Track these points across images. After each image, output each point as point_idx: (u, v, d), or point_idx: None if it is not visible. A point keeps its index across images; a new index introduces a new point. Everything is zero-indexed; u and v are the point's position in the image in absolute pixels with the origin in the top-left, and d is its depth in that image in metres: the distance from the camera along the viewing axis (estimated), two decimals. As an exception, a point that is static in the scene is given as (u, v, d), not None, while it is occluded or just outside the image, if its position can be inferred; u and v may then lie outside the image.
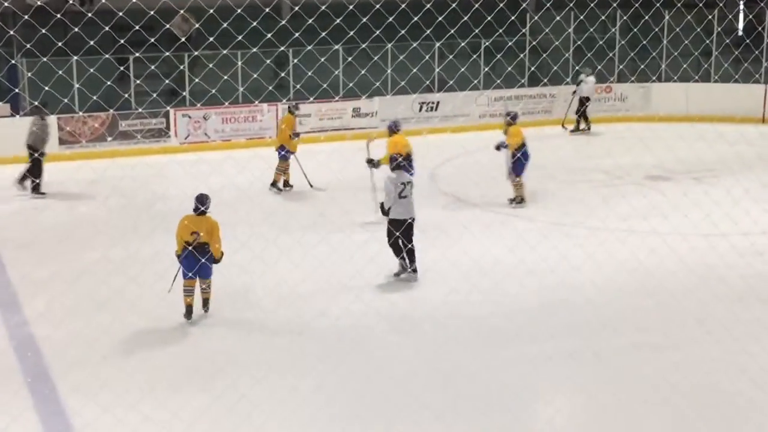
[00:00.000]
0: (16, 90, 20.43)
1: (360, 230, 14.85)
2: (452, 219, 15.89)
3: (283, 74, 19.08)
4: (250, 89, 20.92)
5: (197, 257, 11.20)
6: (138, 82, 20.74)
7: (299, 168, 17.92)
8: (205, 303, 11.75)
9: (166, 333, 11.18)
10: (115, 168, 17.94)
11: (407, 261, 13.03)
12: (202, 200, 11.52)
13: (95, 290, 12.33)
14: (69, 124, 21.31)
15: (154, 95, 21.83)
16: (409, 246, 12.92)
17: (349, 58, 22.46)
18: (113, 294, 11.86)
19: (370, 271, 12.57)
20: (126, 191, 17.51)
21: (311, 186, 17.92)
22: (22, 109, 21.43)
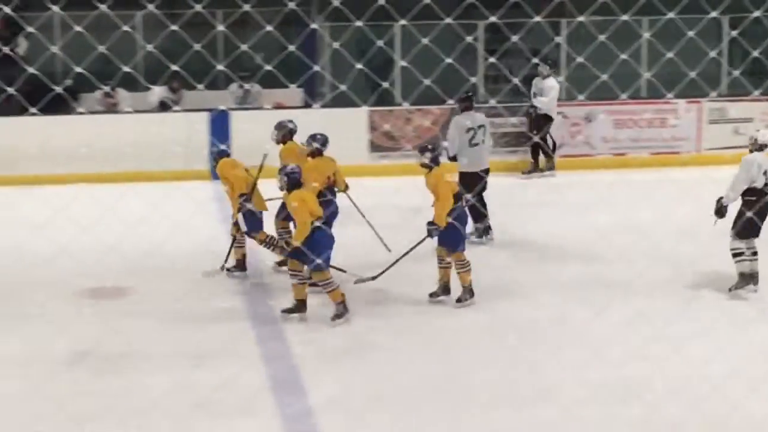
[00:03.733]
0: (315, 68, 20.89)
1: None
2: None
3: (713, 54, 18.79)
4: (661, 76, 20.81)
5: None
6: (492, 60, 21.12)
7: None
8: None
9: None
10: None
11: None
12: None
13: (410, 370, 12.75)
14: (387, 121, 22.04)
15: (515, 81, 22.32)
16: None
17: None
18: (429, 377, 12.34)
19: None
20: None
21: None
22: (319, 97, 22.32)
